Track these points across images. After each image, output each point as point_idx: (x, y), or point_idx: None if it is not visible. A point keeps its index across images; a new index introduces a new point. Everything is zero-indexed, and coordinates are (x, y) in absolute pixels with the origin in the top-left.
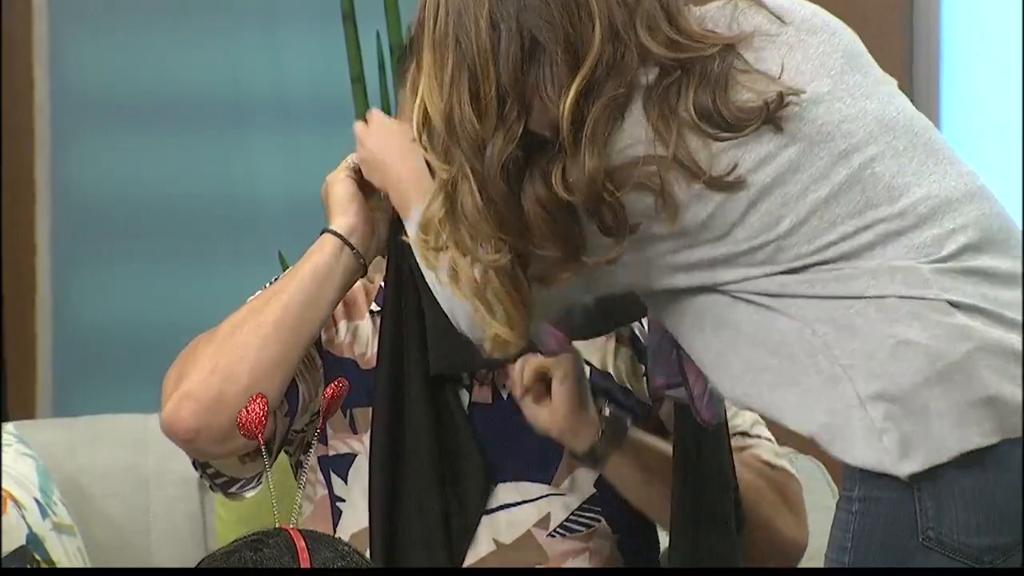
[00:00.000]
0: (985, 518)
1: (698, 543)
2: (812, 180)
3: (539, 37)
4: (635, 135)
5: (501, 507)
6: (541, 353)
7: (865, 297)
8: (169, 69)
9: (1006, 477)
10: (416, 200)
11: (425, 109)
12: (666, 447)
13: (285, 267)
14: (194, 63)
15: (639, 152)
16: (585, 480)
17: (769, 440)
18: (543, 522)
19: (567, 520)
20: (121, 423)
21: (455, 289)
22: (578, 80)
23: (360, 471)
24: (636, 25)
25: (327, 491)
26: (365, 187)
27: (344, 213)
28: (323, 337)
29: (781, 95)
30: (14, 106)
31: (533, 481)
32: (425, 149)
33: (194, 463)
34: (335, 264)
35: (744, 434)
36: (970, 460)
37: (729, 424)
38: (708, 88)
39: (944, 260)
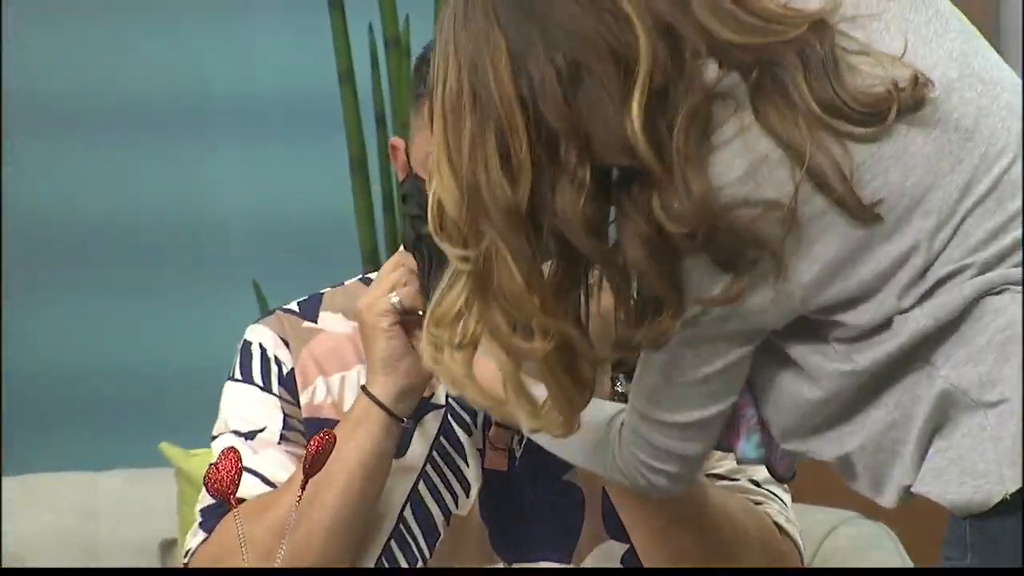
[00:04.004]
0: None
1: None
2: (956, 188)
3: (577, 56)
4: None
5: None
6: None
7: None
8: (122, 68)
9: None
10: None
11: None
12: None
13: (262, 299)
14: (151, 60)
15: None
16: (610, 554)
17: (781, 499)
18: None
19: None
20: (65, 483)
21: (471, 385)
22: (637, 93)
23: None
24: (693, 8)
25: None
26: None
27: (393, 372)
28: (301, 402)
29: (916, 77)
30: None
31: (552, 560)
32: (439, 239)
33: None
34: (387, 442)
35: (756, 483)
36: None
37: (739, 468)
38: (819, 74)
39: None
